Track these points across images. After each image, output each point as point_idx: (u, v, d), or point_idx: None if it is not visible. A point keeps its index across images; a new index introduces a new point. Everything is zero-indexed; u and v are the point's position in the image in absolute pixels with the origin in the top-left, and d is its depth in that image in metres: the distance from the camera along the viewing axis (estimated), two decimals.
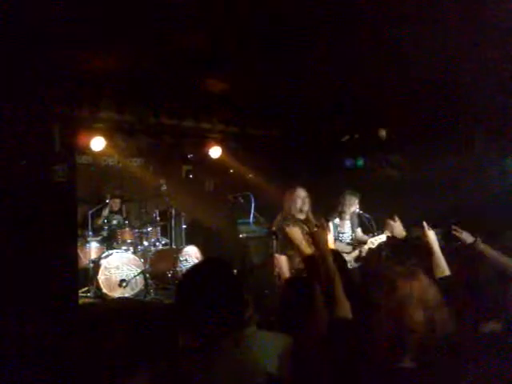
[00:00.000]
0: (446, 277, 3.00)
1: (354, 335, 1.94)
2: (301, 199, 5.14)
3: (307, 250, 2.63)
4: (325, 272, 2.39)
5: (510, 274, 2.54)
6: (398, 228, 4.24)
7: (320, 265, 2.43)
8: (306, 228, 4.63)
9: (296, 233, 2.72)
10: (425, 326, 1.78)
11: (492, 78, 5.15)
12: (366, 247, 5.93)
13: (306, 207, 5.16)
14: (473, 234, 3.75)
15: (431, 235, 3.30)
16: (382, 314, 1.78)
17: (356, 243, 6.16)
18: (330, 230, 5.67)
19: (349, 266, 5.98)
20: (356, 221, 6.29)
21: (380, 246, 5.99)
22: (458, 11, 3.83)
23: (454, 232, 3.85)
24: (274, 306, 3.99)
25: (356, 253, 6.00)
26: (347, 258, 5.96)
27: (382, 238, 5.89)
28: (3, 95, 4.28)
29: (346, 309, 2.25)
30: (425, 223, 3.35)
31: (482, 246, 3.58)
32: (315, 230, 2.63)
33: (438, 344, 1.79)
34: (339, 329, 2.12)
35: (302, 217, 5.15)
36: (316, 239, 2.55)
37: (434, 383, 1.82)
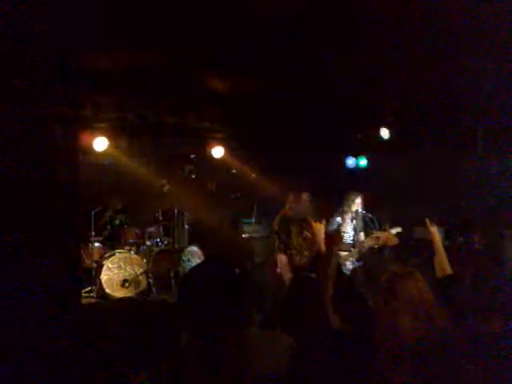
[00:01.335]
0: (448, 276, 2.96)
1: (353, 347, 1.89)
2: (301, 203, 5.09)
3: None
4: (323, 271, 2.38)
5: None
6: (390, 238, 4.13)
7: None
8: (306, 230, 4.63)
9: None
10: (420, 332, 1.71)
11: (492, 78, 5.15)
12: (366, 246, 5.96)
13: (305, 211, 5.08)
14: (472, 234, 3.73)
15: (434, 231, 3.24)
16: (380, 323, 1.73)
17: (357, 244, 6.17)
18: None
19: (350, 265, 6.01)
20: (360, 224, 6.27)
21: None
22: (459, 12, 3.83)
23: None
24: (276, 307, 4.00)
25: (357, 252, 6.02)
26: (349, 257, 5.99)
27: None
28: (5, 95, 4.29)
29: (335, 322, 2.21)
30: (427, 220, 3.31)
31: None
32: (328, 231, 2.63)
33: (436, 351, 1.72)
34: (336, 341, 2.08)
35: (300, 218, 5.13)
36: (333, 240, 2.52)
37: None
